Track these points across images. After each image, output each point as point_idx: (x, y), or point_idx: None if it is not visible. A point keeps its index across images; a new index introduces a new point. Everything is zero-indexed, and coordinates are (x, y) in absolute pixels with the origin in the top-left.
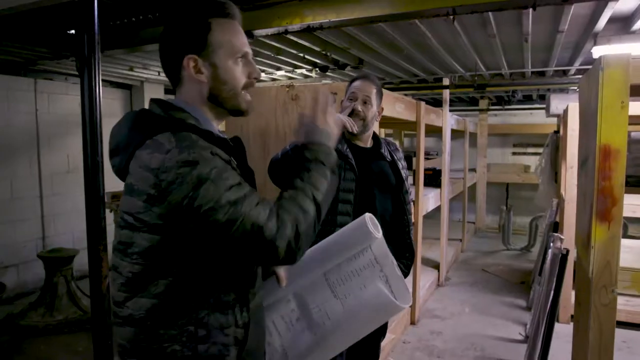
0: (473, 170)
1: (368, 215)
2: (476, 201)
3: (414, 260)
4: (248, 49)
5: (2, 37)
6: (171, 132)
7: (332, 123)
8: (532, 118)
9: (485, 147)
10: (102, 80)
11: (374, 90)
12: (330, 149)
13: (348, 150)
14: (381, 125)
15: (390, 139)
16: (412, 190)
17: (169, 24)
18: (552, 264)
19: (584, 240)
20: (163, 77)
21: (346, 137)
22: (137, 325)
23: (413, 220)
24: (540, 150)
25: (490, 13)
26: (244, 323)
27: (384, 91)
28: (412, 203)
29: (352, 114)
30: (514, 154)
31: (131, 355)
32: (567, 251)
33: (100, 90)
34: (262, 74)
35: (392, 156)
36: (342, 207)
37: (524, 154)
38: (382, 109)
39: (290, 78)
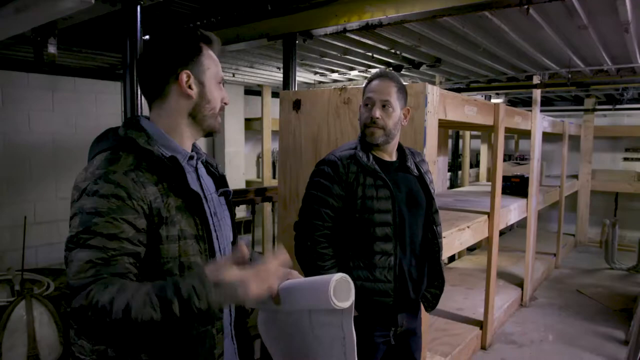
0: (574, 177)
1: (335, 280)
2: (577, 211)
3: (443, 290)
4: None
5: (80, 45)
6: (110, 152)
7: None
8: None
9: (591, 152)
10: None
11: (394, 90)
12: (208, 309)
13: (374, 163)
14: (464, 127)
15: (414, 148)
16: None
17: (161, 40)
18: None
19: None
20: (239, 78)
21: (369, 147)
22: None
23: (487, 235)
24: None
25: (575, 1)
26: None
27: (449, 93)
28: (441, 224)
29: (370, 122)
30: (625, 159)
31: None
32: None
33: (141, 96)
34: (335, 74)
35: (418, 169)
36: (380, 231)
37: (639, 159)
38: (408, 110)
39: (366, 78)
